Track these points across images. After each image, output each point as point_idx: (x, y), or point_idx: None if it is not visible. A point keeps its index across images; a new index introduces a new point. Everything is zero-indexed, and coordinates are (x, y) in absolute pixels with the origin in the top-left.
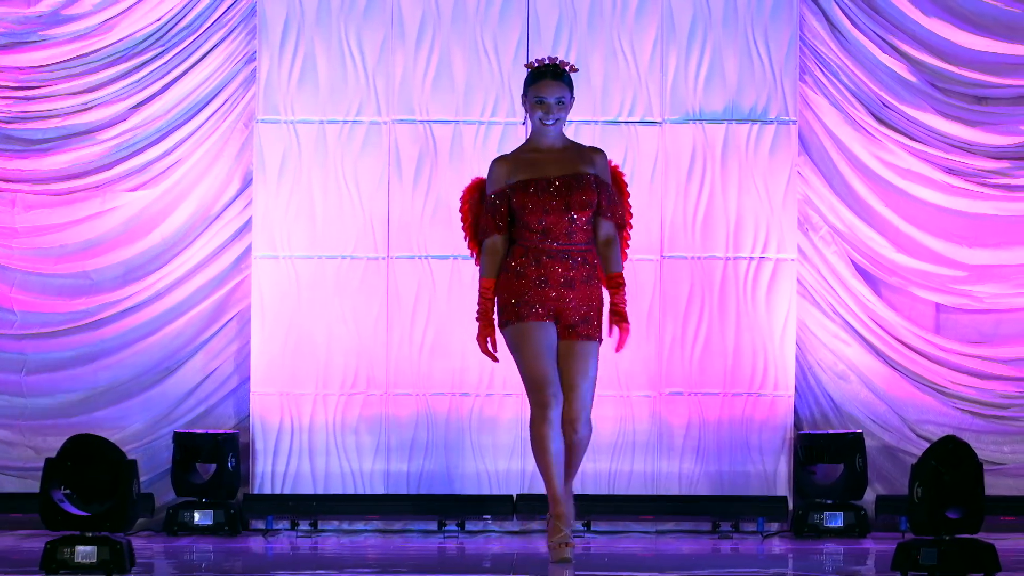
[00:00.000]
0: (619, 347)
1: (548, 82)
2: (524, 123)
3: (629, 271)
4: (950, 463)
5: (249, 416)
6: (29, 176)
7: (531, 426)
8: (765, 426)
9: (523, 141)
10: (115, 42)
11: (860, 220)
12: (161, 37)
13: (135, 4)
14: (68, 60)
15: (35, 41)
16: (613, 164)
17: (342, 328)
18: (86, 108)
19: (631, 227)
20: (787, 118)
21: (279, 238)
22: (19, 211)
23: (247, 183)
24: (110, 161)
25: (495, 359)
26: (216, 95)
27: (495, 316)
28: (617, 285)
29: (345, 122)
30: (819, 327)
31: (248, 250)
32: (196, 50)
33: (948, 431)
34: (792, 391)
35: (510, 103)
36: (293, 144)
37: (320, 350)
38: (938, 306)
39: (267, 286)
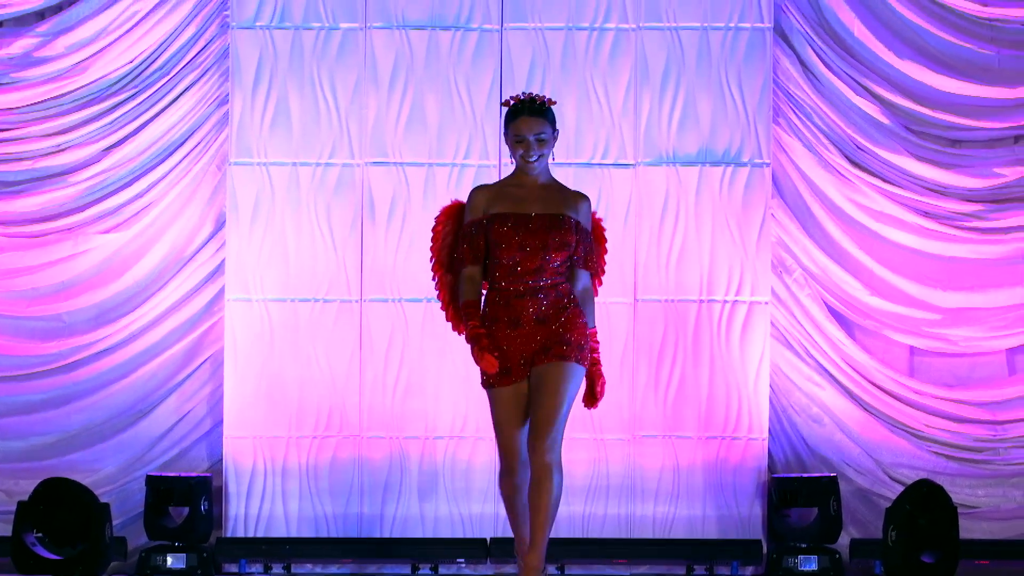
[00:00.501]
0: (595, 404)
1: (525, 119)
2: (511, 161)
3: (603, 313)
4: (924, 507)
5: (222, 459)
6: (1, 218)
7: (500, 486)
8: (739, 469)
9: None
10: (88, 84)
11: (834, 263)
12: (134, 79)
13: (108, 46)
14: (41, 102)
15: (7, 83)
16: (596, 216)
17: (315, 371)
18: (59, 150)
19: (601, 282)
20: (761, 160)
21: (252, 281)
22: None
23: (220, 225)
24: (83, 203)
25: (495, 368)
26: (189, 137)
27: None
28: (592, 342)
29: (318, 164)
30: (793, 370)
31: (221, 293)
32: (169, 92)
33: (922, 475)
34: (766, 434)
35: (483, 145)
36: (266, 186)
37: (293, 393)
38: (912, 349)
39: (240, 329)
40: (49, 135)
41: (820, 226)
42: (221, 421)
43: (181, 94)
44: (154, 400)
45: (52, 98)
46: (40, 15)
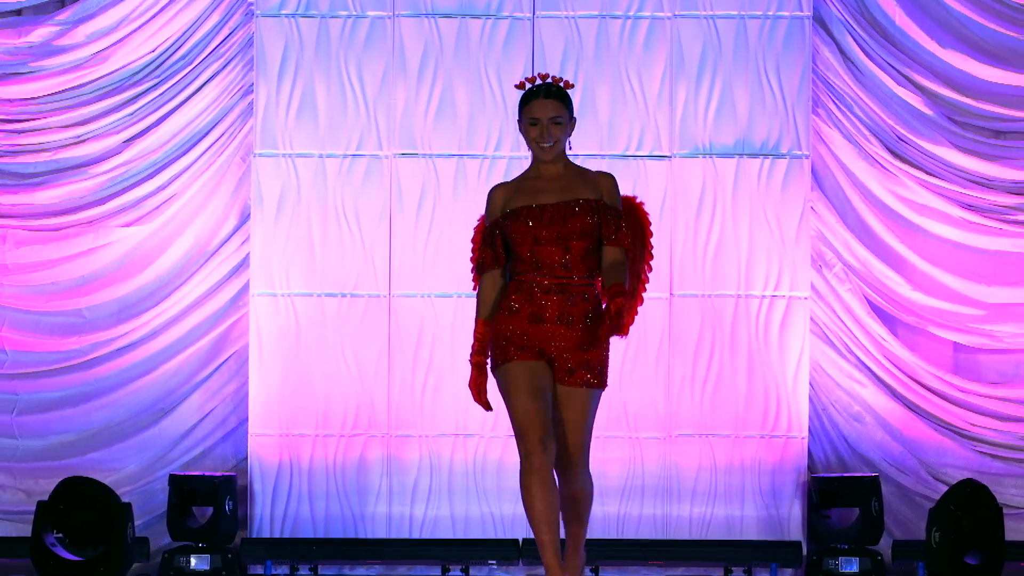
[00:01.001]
0: (624, 327)
1: (541, 101)
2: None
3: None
4: (969, 507)
5: (247, 458)
6: (20, 211)
7: (520, 479)
8: (778, 469)
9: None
10: (108, 73)
11: (875, 257)
12: (156, 68)
13: (129, 34)
14: (60, 92)
15: (26, 72)
16: (637, 199)
17: (342, 368)
18: (79, 141)
19: (650, 267)
20: (800, 152)
21: (277, 275)
22: (10, 247)
23: (244, 219)
24: (103, 196)
25: (488, 407)
26: (212, 128)
27: (489, 360)
28: (617, 292)
29: (345, 156)
30: (833, 367)
31: (246, 287)
32: (192, 82)
33: (967, 474)
34: (806, 433)
35: (515, 136)
36: (292, 179)
37: (320, 390)
38: (956, 346)
39: (265, 324)
40: (69, 126)
41: (861, 219)
42: (246, 419)
43: (204, 84)
44: (177, 397)
45: (72, 88)
46: (60, 2)
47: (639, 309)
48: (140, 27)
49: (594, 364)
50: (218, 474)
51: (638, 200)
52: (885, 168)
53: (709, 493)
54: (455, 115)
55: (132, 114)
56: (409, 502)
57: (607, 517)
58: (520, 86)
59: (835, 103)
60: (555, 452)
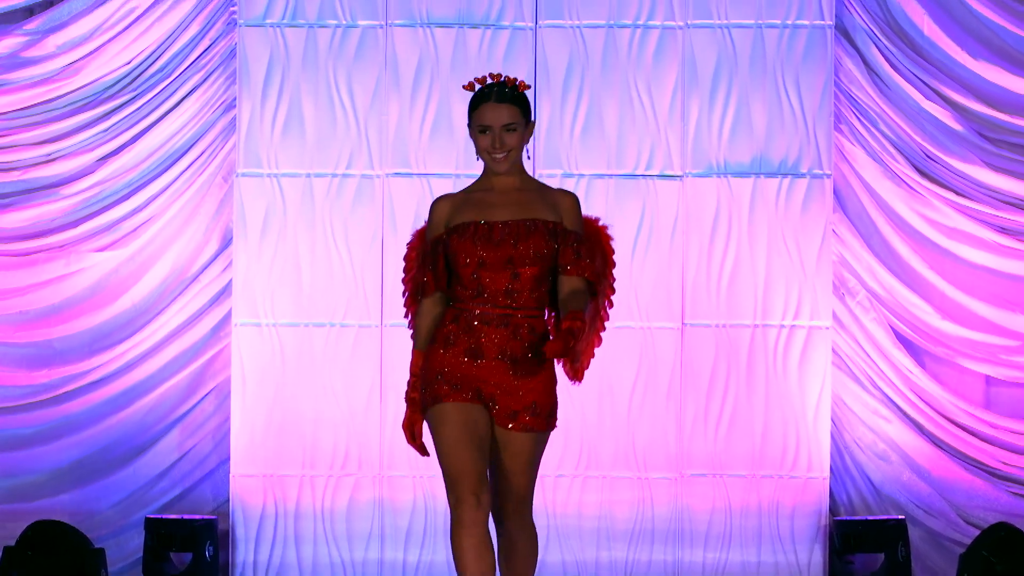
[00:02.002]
0: (576, 355)
1: (492, 105)
2: (478, 160)
3: (647, 340)
4: (1003, 552)
5: (229, 500)
6: None
7: (451, 535)
8: (798, 511)
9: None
10: (81, 87)
11: (902, 284)
12: (132, 81)
13: (103, 45)
14: (29, 107)
15: None
16: (599, 222)
17: (331, 403)
18: (49, 160)
19: (610, 303)
20: (821, 171)
21: (262, 303)
22: None
23: (227, 243)
24: (76, 218)
25: (423, 452)
26: (192, 146)
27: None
28: (576, 317)
29: (334, 176)
30: (857, 402)
31: (228, 317)
32: (170, 96)
33: (1000, 517)
34: (827, 473)
35: None
36: (277, 200)
37: (307, 427)
38: (988, 379)
39: (249, 356)
40: (39, 143)
41: (886, 243)
42: (227, 458)
43: (184, 98)
44: (154, 435)
45: (42, 103)
46: (29, 11)
47: (596, 351)
48: (115, 37)
49: (539, 406)
50: (198, 517)
51: (601, 223)
52: (912, 188)
53: (724, 537)
54: (452, 132)
55: (106, 131)
56: (402, 547)
57: (615, 563)
58: (468, 87)
59: (859, 118)
60: (491, 503)
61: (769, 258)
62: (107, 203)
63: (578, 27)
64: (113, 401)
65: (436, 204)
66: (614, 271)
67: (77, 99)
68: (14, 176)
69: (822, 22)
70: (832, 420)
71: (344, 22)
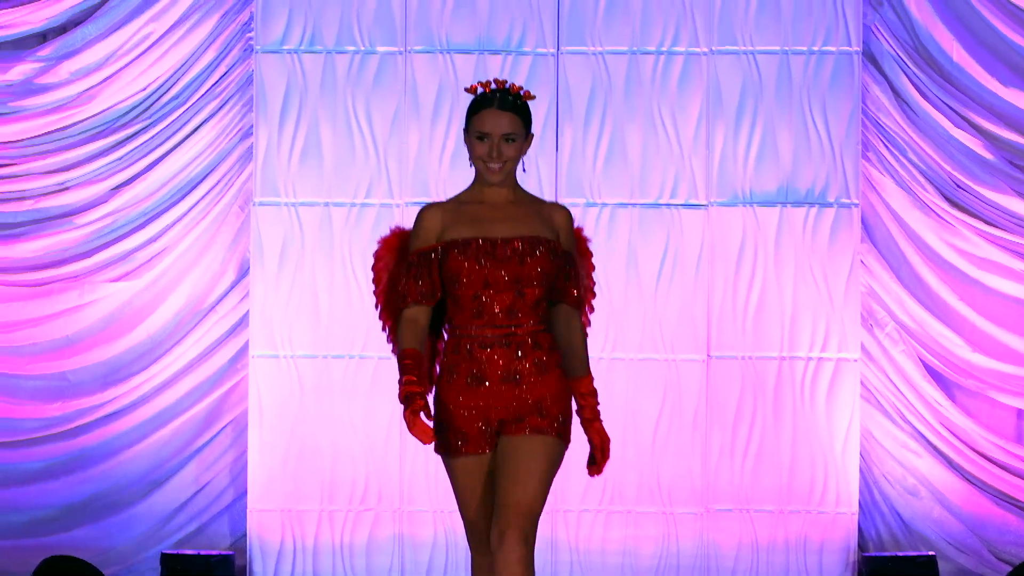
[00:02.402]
0: (599, 467)
1: (493, 112)
2: (471, 167)
3: (671, 372)
4: None
5: (246, 535)
6: None
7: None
8: (826, 547)
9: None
10: (95, 114)
11: (931, 315)
12: (147, 109)
13: (118, 72)
14: (42, 135)
15: (5, 114)
16: (582, 232)
17: (350, 436)
18: (62, 189)
19: (592, 308)
20: (848, 200)
21: (279, 335)
22: None
23: (243, 273)
24: (89, 248)
25: (429, 437)
26: (208, 174)
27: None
28: (587, 395)
29: (353, 205)
30: (886, 436)
31: (245, 348)
32: (186, 124)
33: None
34: (856, 508)
35: (537, 183)
36: (295, 229)
37: (325, 461)
38: (1020, 412)
39: (266, 389)
40: (52, 172)
41: (915, 274)
42: (245, 493)
43: (199, 126)
44: (170, 469)
45: (55, 130)
46: (42, 37)
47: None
48: (129, 64)
49: (546, 408)
50: (214, 552)
51: (584, 233)
52: (942, 218)
53: (751, 573)
54: (467, 161)
55: (121, 159)
56: None
57: None
58: (471, 90)
59: (887, 147)
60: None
61: (796, 289)
62: (121, 233)
63: (601, 53)
64: (128, 434)
65: (426, 213)
66: (593, 274)
67: (91, 127)
68: (27, 205)
69: (849, 48)
70: (861, 454)
71: (362, 48)
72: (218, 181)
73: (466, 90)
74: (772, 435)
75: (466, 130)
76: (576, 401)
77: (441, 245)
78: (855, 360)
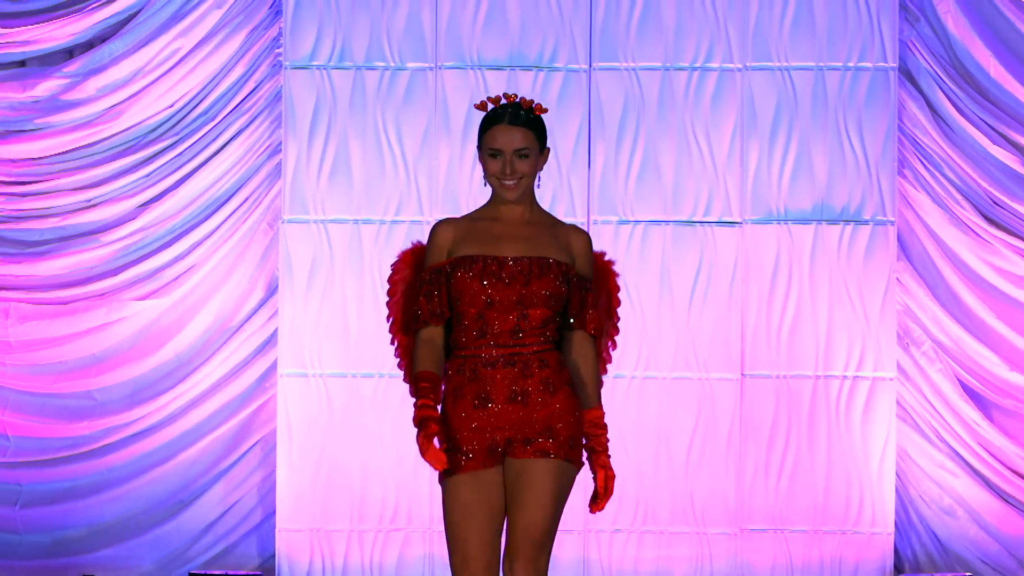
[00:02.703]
0: (601, 504)
1: (504, 128)
2: (485, 185)
3: (704, 391)
4: None
5: (275, 556)
6: (24, 283)
7: None
8: (861, 568)
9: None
10: (122, 131)
11: (968, 334)
12: (174, 126)
13: (145, 88)
14: (69, 151)
15: (31, 130)
16: (605, 257)
17: (380, 456)
18: (89, 206)
19: (614, 344)
20: (884, 218)
21: (308, 353)
22: (12, 323)
23: (272, 291)
24: (116, 266)
25: (442, 463)
26: (237, 191)
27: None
28: (596, 427)
29: (383, 222)
30: (922, 456)
31: (273, 367)
32: (214, 140)
33: None
34: (892, 528)
35: (569, 200)
36: (324, 247)
37: (355, 480)
38: None
39: (295, 408)
40: (79, 189)
41: (952, 292)
42: (273, 512)
43: (228, 143)
44: (197, 489)
45: (82, 147)
46: (69, 53)
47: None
48: (157, 80)
49: (556, 431)
50: (242, 574)
51: (607, 258)
52: (978, 235)
53: None
54: None
55: (148, 176)
56: None
57: None
58: (481, 107)
59: (923, 164)
60: (499, 560)
61: (831, 307)
62: (149, 250)
63: (633, 69)
64: (155, 454)
65: (438, 229)
66: (619, 309)
67: (118, 143)
68: (53, 222)
69: (885, 64)
70: (897, 474)
71: (393, 64)
72: (246, 198)
73: (476, 107)
74: (807, 455)
75: (479, 148)
76: (584, 433)
77: (451, 262)
78: (891, 379)
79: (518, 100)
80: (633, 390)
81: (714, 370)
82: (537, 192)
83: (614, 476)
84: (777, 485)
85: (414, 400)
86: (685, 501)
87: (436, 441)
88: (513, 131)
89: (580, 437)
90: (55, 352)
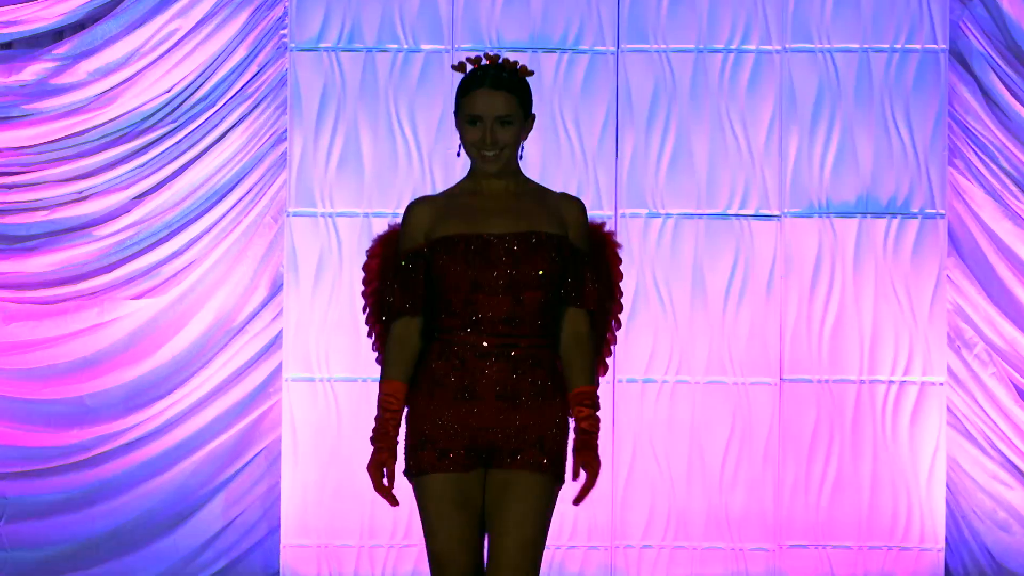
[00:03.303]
0: (581, 496)
1: (485, 92)
2: (459, 155)
3: (740, 396)
4: None
5: (279, 572)
6: (11, 281)
7: None
8: None
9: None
10: (116, 118)
11: None
12: (171, 112)
13: (140, 72)
14: (58, 140)
15: (18, 117)
16: (604, 227)
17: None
18: (81, 198)
19: (618, 323)
20: (934, 211)
21: (316, 356)
22: None
23: (276, 289)
24: (110, 263)
25: (393, 502)
26: (239, 182)
27: (400, 448)
28: (586, 406)
29: (395, 215)
30: (974, 466)
31: (278, 371)
32: (214, 128)
33: None
34: (942, 544)
35: (595, 192)
36: (332, 242)
37: (365, 492)
38: None
39: (301, 414)
40: (69, 180)
41: (1007, 290)
42: (278, 527)
43: (229, 130)
44: (197, 500)
45: (72, 135)
46: (58, 35)
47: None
48: (153, 63)
49: (547, 443)
50: None
51: (606, 228)
52: None
53: None
54: (525, 166)
55: (143, 166)
56: None
57: None
58: (459, 68)
59: (975, 152)
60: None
61: (876, 306)
62: (144, 246)
63: (664, 52)
64: (152, 464)
65: (413, 209)
66: (621, 284)
67: (111, 131)
68: (41, 216)
69: (935, 46)
70: (947, 486)
71: (406, 46)
72: (249, 190)
73: (453, 68)
74: (850, 465)
75: (456, 113)
76: (572, 413)
77: (428, 245)
78: (941, 384)
79: (501, 61)
80: (664, 396)
81: (751, 374)
82: (554, 186)
83: (599, 470)
84: (818, 498)
85: (379, 415)
86: (720, 515)
87: (386, 477)
88: (495, 95)
89: (565, 455)
90: (44, 355)
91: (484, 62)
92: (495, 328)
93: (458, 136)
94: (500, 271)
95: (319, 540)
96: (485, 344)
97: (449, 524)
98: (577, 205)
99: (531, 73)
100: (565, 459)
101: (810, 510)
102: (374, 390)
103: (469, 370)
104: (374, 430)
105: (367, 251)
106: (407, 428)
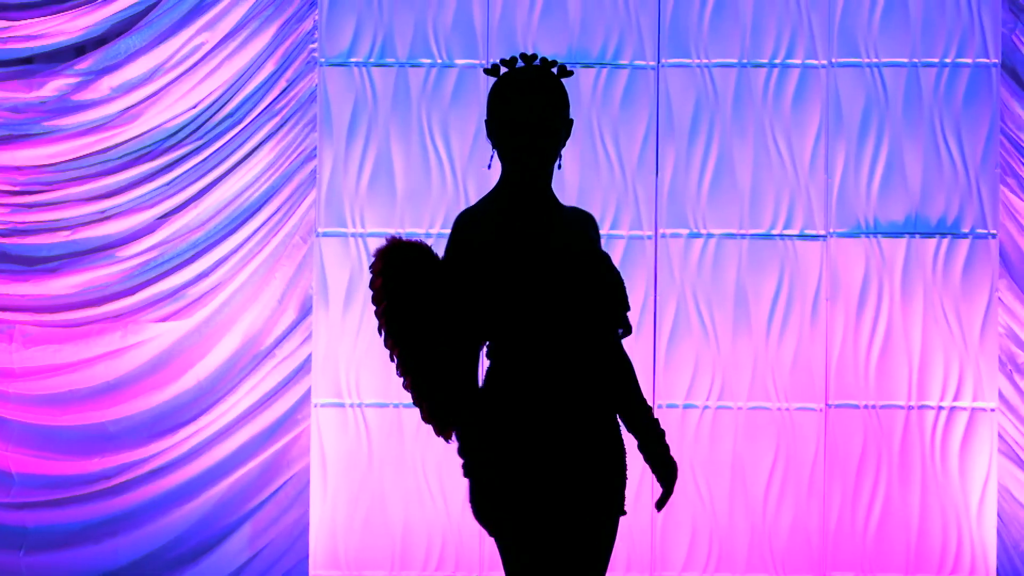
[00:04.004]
0: (664, 501)
1: (523, 96)
2: (490, 167)
3: (784, 422)
4: None
5: None
6: (31, 303)
7: None
8: None
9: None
10: (140, 135)
11: None
12: (197, 129)
13: (165, 87)
14: (80, 158)
15: (39, 134)
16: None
17: (424, 493)
18: (103, 218)
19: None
20: (985, 231)
21: (345, 381)
22: (18, 347)
23: (305, 312)
24: (133, 284)
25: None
26: (267, 202)
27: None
28: (655, 433)
29: (428, 236)
30: None
31: (307, 396)
32: (242, 145)
33: None
34: (994, 574)
35: (635, 211)
36: (363, 263)
37: (396, 521)
38: None
39: (330, 441)
40: (92, 199)
41: None
42: (306, 557)
43: (257, 148)
44: (223, 530)
45: (95, 153)
46: (79, 49)
47: None
48: (178, 79)
49: (614, 481)
50: None
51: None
52: None
53: None
54: (561, 185)
55: (168, 184)
56: None
57: None
58: (492, 71)
59: None
60: None
61: (926, 330)
62: (169, 267)
63: (706, 66)
64: (176, 492)
65: (465, 226)
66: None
67: (135, 148)
68: (63, 236)
69: (987, 60)
70: (998, 515)
71: (439, 61)
72: (277, 209)
73: (485, 71)
74: (898, 493)
75: (489, 120)
76: (639, 442)
77: (488, 263)
78: (992, 409)
79: (539, 61)
80: (706, 422)
81: (795, 400)
82: (593, 204)
83: (676, 474)
84: (866, 527)
85: (463, 443)
86: (764, 544)
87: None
88: (535, 100)
89: (625, 485)
90: (65, 380)
91: (519, 63)
92: (561, 358)
93: (490, 146)
94: (561, 290)
95: (349, 570)
96: (553, 372)
97: (536, 557)
98: (594, 221)
99: (571, 73)
100: (623, 488)
101: (857, 539)
102: (405, 416)
103: (540, 398)
104: (463, 461)
105: (370, 267)
106: (485, 470)
